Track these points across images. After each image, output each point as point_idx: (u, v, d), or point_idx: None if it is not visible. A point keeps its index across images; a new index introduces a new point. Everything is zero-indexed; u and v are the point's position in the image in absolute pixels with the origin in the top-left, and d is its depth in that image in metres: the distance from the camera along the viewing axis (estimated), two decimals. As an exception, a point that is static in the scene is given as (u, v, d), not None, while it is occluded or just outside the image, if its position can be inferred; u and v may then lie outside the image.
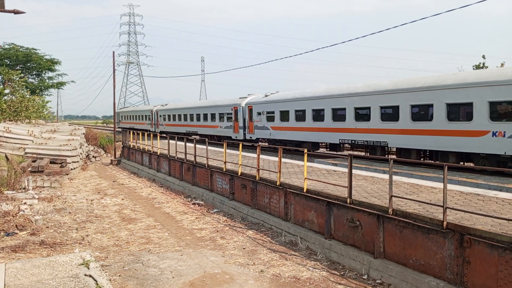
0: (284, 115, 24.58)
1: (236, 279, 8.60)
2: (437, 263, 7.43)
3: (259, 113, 26.89)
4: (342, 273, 8.80)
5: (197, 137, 28.09)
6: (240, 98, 30.05)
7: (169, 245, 11.19)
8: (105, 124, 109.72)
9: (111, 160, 34.01)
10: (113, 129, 37.54)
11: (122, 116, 59.57)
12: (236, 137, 29.00)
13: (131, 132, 33.06)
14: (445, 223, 7.25)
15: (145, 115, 48.06)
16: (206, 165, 17.17)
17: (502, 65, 30.91)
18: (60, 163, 23.63)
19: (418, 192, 10.06)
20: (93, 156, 35.02)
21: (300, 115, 23.27)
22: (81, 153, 29.13)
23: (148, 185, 22.01)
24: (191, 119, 36.72)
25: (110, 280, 8.59)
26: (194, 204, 16.38)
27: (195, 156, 18.50)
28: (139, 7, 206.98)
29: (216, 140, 30.29)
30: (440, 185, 10.33)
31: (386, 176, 12.18)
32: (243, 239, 11.53)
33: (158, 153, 23.92)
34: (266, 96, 27.56)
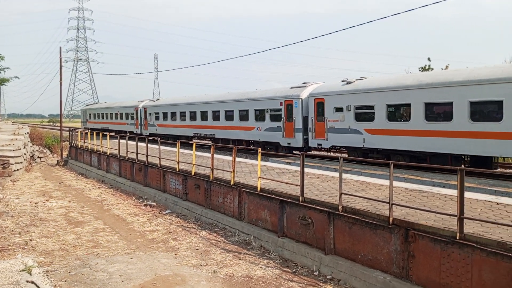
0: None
1: (188, 281, 8.46)
2: (384, 258, 7.69)
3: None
4: (294, 270, 8.90)
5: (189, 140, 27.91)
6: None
7: (118, 248, 10.83)
8: (51, 123, 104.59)
9: (58, 160, 32.49)
10: (61, 128, 35.83)
11: (90, 115, 49.73)
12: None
13: (80, 132, 31.70)
14: (391, 219, 7.52)
15: (126, 113, 39.81)
16: (159, 165, 16.81)
17: (446, 67, 32.59)
18: (2, 164, 22.26)
19: (367, 189, 10.38)
20: (38, 157, 33.29)
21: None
22: (25, 154, 27.61)
23: (97, 187, 21.23)
24: (204, 118, 27.65)
25: (55, 286, 8.19)
26: (145, 205, 15.98)
27: (147, 156, 18.06)
28: (89, 1, 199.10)
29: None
30: (387, 182, 10.71)
31: (338, 174, 12.47)
32: (196, 239, 11.39)
33: (108, 153, 23.14)
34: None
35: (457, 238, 6.55)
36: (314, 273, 8.67)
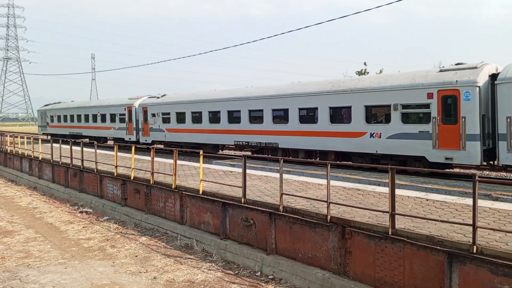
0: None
1: (126, 289, 8.16)
2: (323, 255, 7.89)
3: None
4: (237, 272, 8.88)
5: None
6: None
7: (51, 258, 10.21)
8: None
9: (-16, 167, 30.09)
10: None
11: (53, 117, 40.32)
12: None
13: (10, 136, 29.38)
14: (329, 217, 7.73)
15: (112, 114, 31.12)
16: (95, 170, 16.10)
17: (381, 71, 34.33)
18: None
19: (307, 189, 10.61)
20: (-39, 164, 30.63)
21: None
22: None
23: (29, 194, 19.92)
24: (256, 120, 20.24)
25: (-22, 303, 7.55)
26: (81, 212, 15.22)
27: (82, 160, 17.22)
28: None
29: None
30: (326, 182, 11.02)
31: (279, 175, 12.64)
32: (136, 246, 11.02)
33: (40, 158, 21.80)
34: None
35: (390, 233, 6.86)
36: (256, 274, 8.70)
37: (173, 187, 11.86)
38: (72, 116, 36.82)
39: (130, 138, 29.21)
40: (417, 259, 6.60)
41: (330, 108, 16.88)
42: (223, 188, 10.97)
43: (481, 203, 8.42)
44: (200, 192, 10.90)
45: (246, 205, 9.55)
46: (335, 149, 16.82)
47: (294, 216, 8.45)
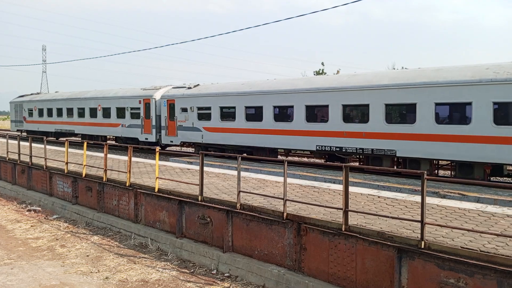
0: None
1: (77, 290, 7.86)
2: (279, 252, 7.96)
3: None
4: (192, 270, 8.79)
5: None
6: None
7: (-5, 259, 9.67)
8: None
9: None
10: None
11: (32, 110, 33.56)
12: None
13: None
14: (285, 214, 7.81)
15: (119, 109, 25.23)
16: (44, 167, 15.39)
17: (338, 72, 35.11)
18: None
19: (265, 186, 10.67)
20: None
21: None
22: None
23: (-29, 192, 18.75)
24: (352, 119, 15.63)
25: None
26: (29, 210, 14.51)
27: (30, 156, 16.41)
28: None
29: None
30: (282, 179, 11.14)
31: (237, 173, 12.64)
32: (87, 245, 10.64)
33: (-15, 154, 20.53)
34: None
35: (343, 229, 7.03)
36: (212, 272, 8.65)
37: (127, 184, 11.55)
38: (59, 110, 30.31)
39: (147, 138, 23.47)
40: (369, 254, 6.80)
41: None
42: (180, 186, 10.81)
43: (429, 200, 8.81)
44: (156, 190, 10.69)
45: (203, 203, 9.46)
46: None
47: (251, 213, 8.47)
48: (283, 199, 7.93)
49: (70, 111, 29.54)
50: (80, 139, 29.45)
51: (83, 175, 13.33)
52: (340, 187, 10.49)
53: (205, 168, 12.87)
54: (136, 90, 25.26)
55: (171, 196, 10.29)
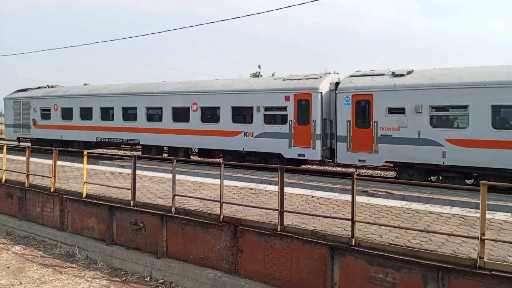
0: None
1: (-7, 306, 7.19)
2: (215, 255, 7.86)
3: None
4: (124, 278, 8.40)
5: None
6: None
7: None
8: None
9: None
10: None
11: (49, 111, 24.41)
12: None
13: None
14: (221, 216, 7.73)
15: (242, 109, 17.68)
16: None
17: (273, 74, 35.77)
18: None
19: (201, 189, 10.51)
20: None
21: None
22: None
23: None
24: None
25: None
26: None
27: None
28: None
29: None
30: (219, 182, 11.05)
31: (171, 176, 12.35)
32: (8, 256, 9.80)
33: None
34: None
35: (279, 230, 7.10)
36: (146, 279, 8.34)
37: (52, 190, 10.82)
38: (107, 111, 21.53)
39: (301, 155, 15.84)
40: (303, 253, 6.92)
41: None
42: (110, 191, 10.32)
43: (359, 199, 9.19)
44: (84, 195, 10.11)
45: (135, 208, 9.10)
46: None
47: (187, 217, 8.29)
48: (219, 201, 7.85)
49: (130, 113, 20.86)
50: (140, 152, 22.37)
51: (3, 181, 12.29)
52: (275, 188, 10.62)
53: (139, 172, 12.44)
54: (275, 80, 17.53)
55: (101, 202, 9.78)
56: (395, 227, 6.94)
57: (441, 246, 6.18)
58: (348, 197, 9.35)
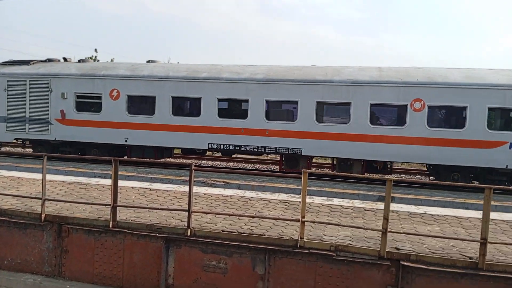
0: None
1: None
2: (35, 259, 6.98)
3: None
4: None
5: None
6: None
7: None
8: None
9: None
10: None
11: (108, 98, 15.07)
12: None
13: None
14: (43, 215, 6.90)
15: None
16: None
17: (112, 60, 33.81)
18: None
19: (19, 185, 9.21)
20: None
21: None
22: None
23: None
24: None
25: None
26: None
27: None
28: None
29: None
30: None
31: (-18, 171, 10.53)
32: None
33: None
34: None
35: (111, 226, 6.67)
36: None
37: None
38: (235, 104, 14.86)
39: None
40: (137, 248, 6.66)
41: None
42: None
43: (197, 189, 9.30)
44: None
45: None
46: None
47: (1, 218, 7.14)
48: (41, 199, 6.97)
49: (283, 109, 14.52)
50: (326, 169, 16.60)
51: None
52: (109, 181, 9.98)
53: None
54: None
55: None
56: (229, 214, 7.21)
57: (269, 230, 6.66)
58: (187, 188, 9.38)
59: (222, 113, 14.28)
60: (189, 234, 6.45)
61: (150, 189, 9.38)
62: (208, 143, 14.27)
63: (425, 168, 16.17)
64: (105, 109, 15.08)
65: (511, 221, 7.79)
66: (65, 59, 17.43)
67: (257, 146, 13.98)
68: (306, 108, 13.48)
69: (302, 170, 6.36)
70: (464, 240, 6.28)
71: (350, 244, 6.18)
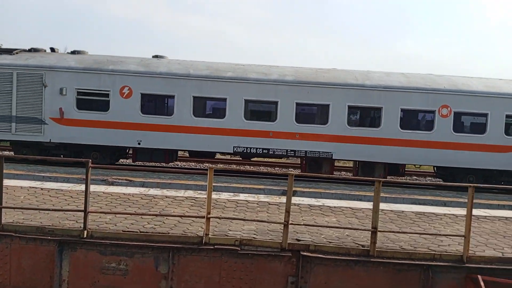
0: None
1: None
2: None
3: None
4: None
5: None
6: None
7: None
8: None
9: None
10: None
11: (118, 96, 12.54)
12: None
13: None
14: None
15: None
16: None
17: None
18: None
19: None
20: None
21: None
22: None
23: None
24: None
25: None
26: None
27: None
28: None
29: None
30: None
31: None
32: None
33: None
34: None
35: (-6, 230, 5.99)
36: None
37: None
38: (266, 106, 13.94)
39: None
40: (26, 253, 6.07)
41: None
42: None
43: (96, 188, 8.79)
44: None
45: None
46: None
47: None
48: None
49: (313, 112, 14.17)
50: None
51: None
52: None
53: None
54: None
55: None
56: (130, 213, 6.92)
57: (173, 228, 6.51)
58: (83, 187, 8.80)
59: (249, 115, 13.57)
60: (85, 236, 6.04)
61: (42, 189, 8.63)
62: (234, 146, 13.50)
63: (432, 170, 16.76)
64: (114, 108, 13.43)
65: (398, 211, 8.60)
66: (52, 50, 14.92)
67: (286, 150, 13.57)
68: (338, 111, 13.42)
69: (208, 167, 6.32)
70: (358, 229, 6.76)
71: (254, 237, 6.31)
